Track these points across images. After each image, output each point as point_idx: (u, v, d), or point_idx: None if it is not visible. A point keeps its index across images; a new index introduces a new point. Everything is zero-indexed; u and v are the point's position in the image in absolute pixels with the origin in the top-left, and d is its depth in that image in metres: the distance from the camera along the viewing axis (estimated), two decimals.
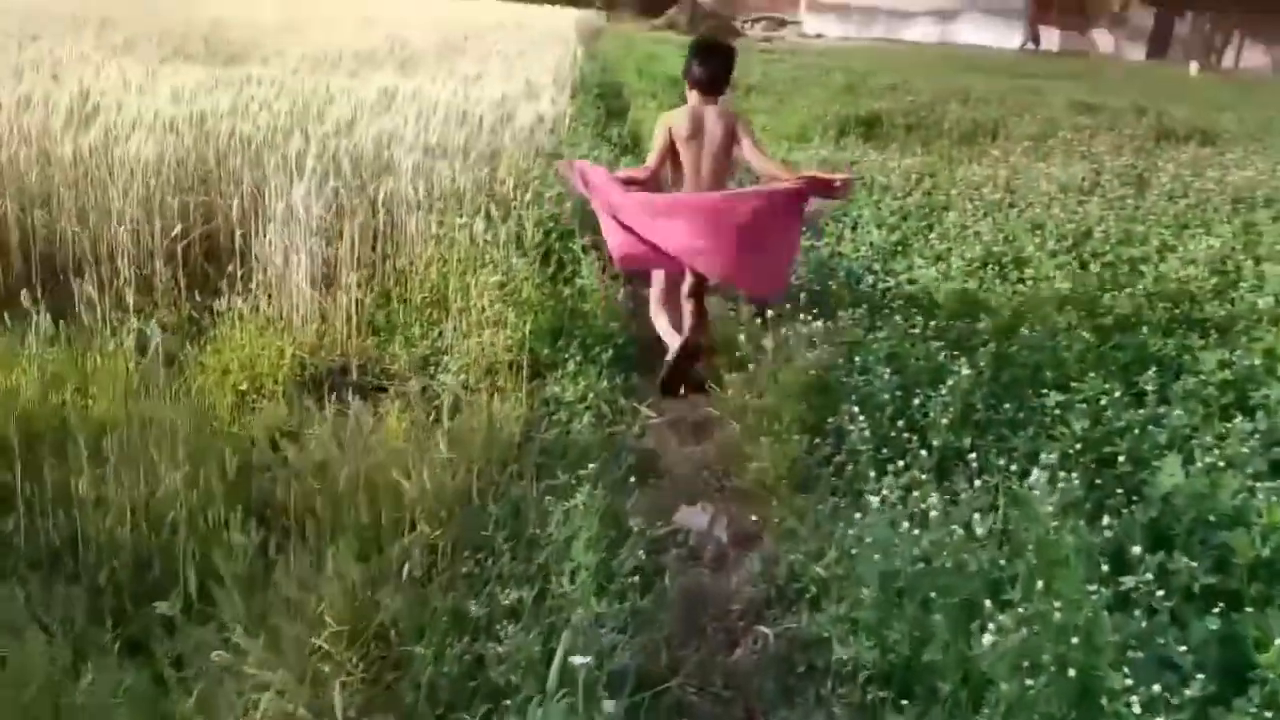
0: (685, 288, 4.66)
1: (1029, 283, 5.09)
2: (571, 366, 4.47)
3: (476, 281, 4.71)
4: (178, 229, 5.38)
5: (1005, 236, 6.07)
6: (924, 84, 18.53)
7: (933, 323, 4.27)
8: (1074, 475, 3.10)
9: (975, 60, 29.78)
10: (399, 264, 5.34)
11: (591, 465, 3.56)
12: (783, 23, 39.81)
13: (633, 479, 3.71)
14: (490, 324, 4.65)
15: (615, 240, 4.44)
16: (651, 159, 4.71)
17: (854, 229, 6.21)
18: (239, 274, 5.11)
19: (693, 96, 4.88)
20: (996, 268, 5.38)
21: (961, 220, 6.38)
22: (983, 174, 8.02)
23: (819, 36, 38.16)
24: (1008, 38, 36.68)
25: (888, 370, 3.76)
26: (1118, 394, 3.66)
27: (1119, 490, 3.21)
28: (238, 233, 5.42)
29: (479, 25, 20.51)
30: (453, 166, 6.01)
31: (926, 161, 8.86)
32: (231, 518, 3.07)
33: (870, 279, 5.07)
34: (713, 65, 4.88)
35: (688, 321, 4.62)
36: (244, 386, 4.51)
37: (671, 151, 4.68)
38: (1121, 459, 3.35)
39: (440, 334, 4.82)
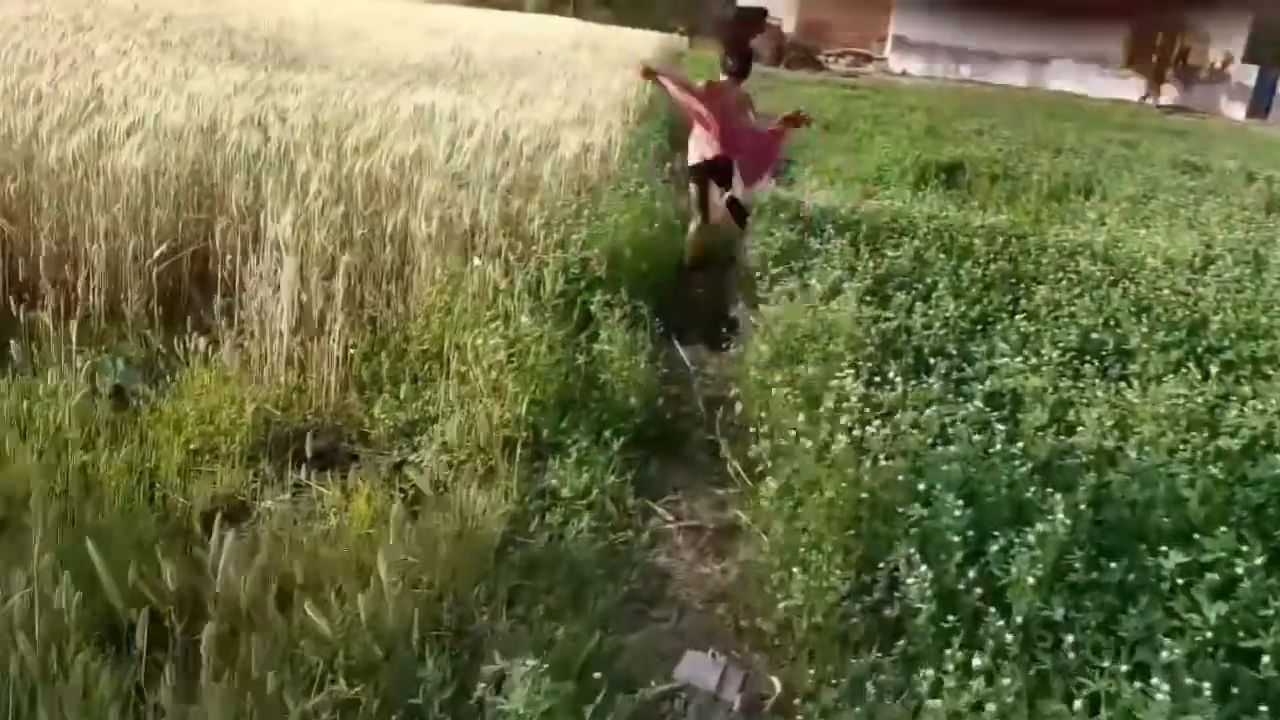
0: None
1: (1135, 383, 4.25)
2: (575, 453, 3.73)
3: (478, 338, 4.00)
4: (158, 250, 4.77)
5: (1106, 320, 5.23)
6: (1012, 130, 17.58)
7: (1019, 442, 3.45)
8: (1205, 685, 2.30)
9: (1067, 108, 28.62)
10: (399, 308, 4.67)
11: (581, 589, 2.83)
12: (867, 58, 38.91)
13: (630, 607, 2.97)
14: (489, 390, 3.94)
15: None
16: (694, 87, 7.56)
17: (927, 297, 5.41)
18: (218, 307, 4.48)
19: (724, 78, 7.60)
20: (1096, 361, 4.54)
21: (1054, 296, 5.54)
22: (1077, 239, 7.15)
23: (904, 74, 37.20)
24: (1102, 86, 35.38)
25: (958, 502, 2.97)
26: (1258, 558, 2.83)
27: (1263, 707, 2.40)
28: (226, 259, 4.80)
29: (555, 43, 20.02)
30: (476, 197, 5.34)
31: (1013, 220, 7.98)
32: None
33: (943, 365, 4.27)
34: (739, 62, 7.71)
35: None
36: (195, 444, 3.86)
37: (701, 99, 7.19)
38: (1266, 659, 2.53)
39: (431, 397, 4.13)
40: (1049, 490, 3.07)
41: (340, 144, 5.65)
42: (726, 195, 7.17)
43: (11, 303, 4.26)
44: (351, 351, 4.28)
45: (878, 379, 3.92)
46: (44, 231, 4.76)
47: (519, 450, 3.75)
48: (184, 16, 14.72)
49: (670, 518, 3.74)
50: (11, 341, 3.95)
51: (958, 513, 2.93)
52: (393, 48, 14.32)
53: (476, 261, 4.64)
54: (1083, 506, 3.00)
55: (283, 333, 4.24)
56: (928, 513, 2.98)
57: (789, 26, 42.18)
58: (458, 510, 3.38)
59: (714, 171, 7.32)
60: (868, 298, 5.20)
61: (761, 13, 44.52)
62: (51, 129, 5.17)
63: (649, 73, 7.77)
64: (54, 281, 4.55)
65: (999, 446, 3.37)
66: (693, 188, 7.52)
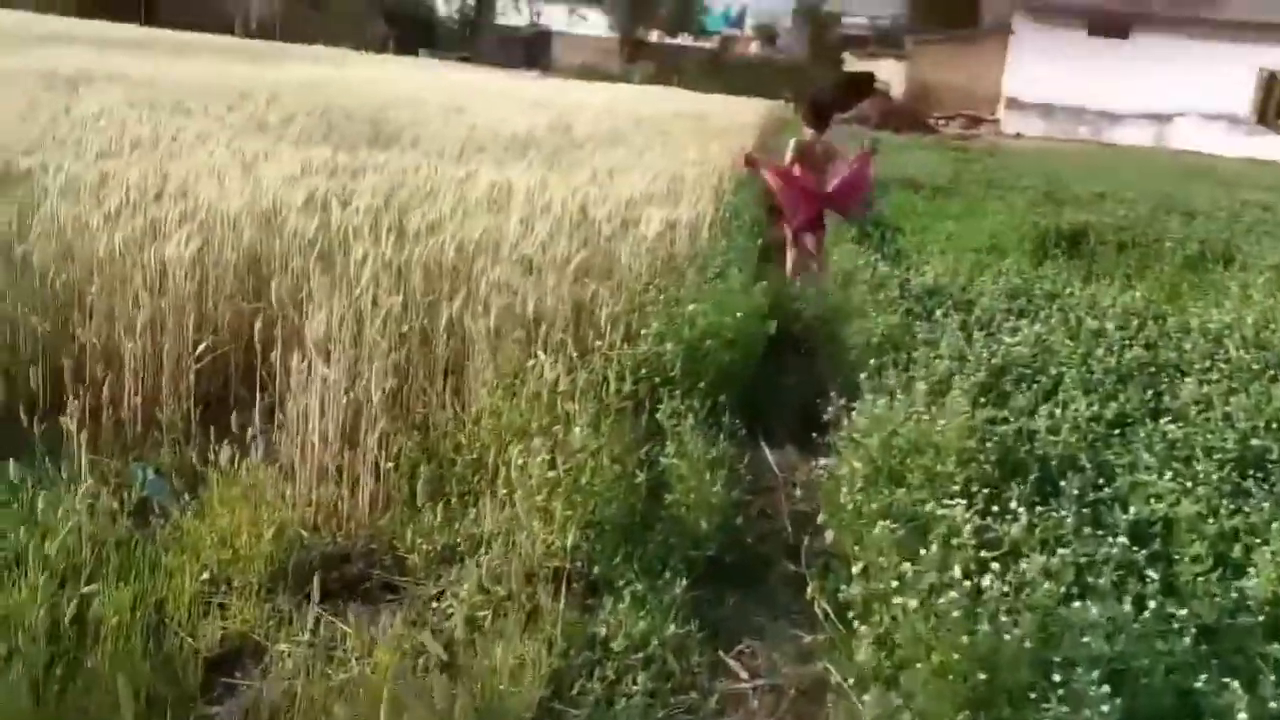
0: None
1: None
2: (630, 594, 3.18)
3: (523, 454, 3.50)
4: (200, 346, 4.44)
5: (1268, 421, 4.46)
6: (1137, 194, 16.56)
7: (1174, 592, 2.77)
8: None
9: (1195, 168, 27.21)
10: (450, 411, 4.22)
11: None
12: (979, 121, 37.95)
13: None
14: (536, 513, 3.43)
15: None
16: (787, 160, 8.54)
17: (1051, 393, 4.72)
18: (258, 411, 4.10)
19: (807, 131, 8.72)
20: (1260, 476, 3.79)
21: (1202, 391, 4.79)
22: (1222, 319, 6.34)
23: (1018, 136, 36.11)
24: (1231, 144, 33.66)
25: (1104, 689, 2.31)
26: None
27: None
28: (271, 356, 4.44)
29: (656, 114, 19.84)
30: (544, 283, 4.90)
31: (1147, 297, 7.18)
32: None
33: (1076, 483, 3.60)
34: (821, 120, 8.88)
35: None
36: (210, 572, 3.44)
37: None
38: None
39: (476, 517, 3.64)
40: (1222, 676, 2.38)
41: (403, 226, 5.29)
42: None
43: (40, 406, 3.96)
44: (391, 464, 3.83)
45: (995, 506, 3.28)
46: (82, 329, 4.48)
47: (569, 586, 3.22)
48: (292, 99, 14.94)
49: (744, 675, 3.14)
50: (37, 450, 3.65)
51: (1105, 707, 2.27)
52: (491, 122, 14.22)
53: (537, 358, 4.16)
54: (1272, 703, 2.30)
55: (315, 443, 3.81)
56: (1065, 705, 2.32)
57: (897, 90, 41.61)
58: (491, 666, 2.86)
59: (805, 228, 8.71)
60: (982, 397, 4.55)
61: (869, 77, 44.10)
62: (103, 220, 4.93)
63: (750, 162, 9.52)
64: (86, 381, 4.23)
65: (1151, 604, 2.70)
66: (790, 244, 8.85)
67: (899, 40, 52.54)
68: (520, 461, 3.42)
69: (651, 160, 10.36)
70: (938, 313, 5.93)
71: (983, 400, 4.52)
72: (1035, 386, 4.80)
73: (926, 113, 36.83)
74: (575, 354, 4.32)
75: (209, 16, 45.64)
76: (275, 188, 5.83)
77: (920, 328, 5.64)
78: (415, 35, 47.51)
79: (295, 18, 47.01)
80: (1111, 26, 35.44)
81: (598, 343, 4.46)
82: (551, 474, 3.43)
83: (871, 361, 4.91)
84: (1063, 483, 3.78)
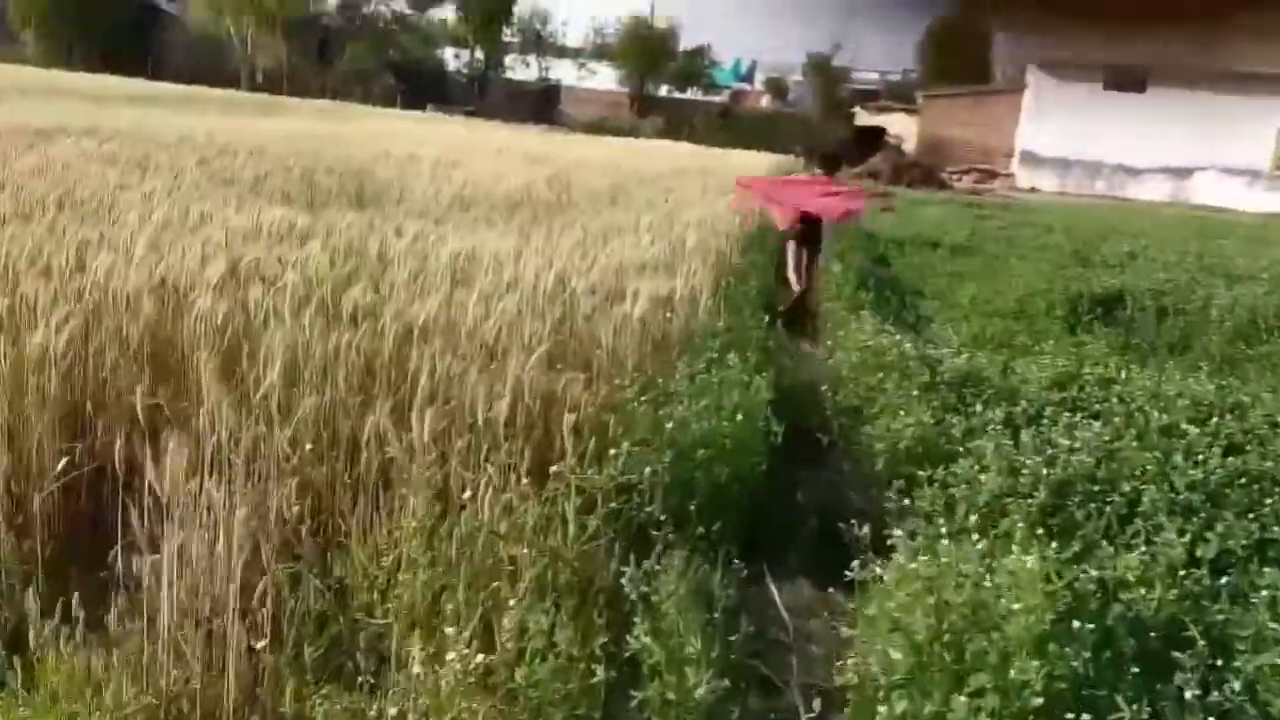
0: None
1: None
2: None
3: (433, 641, 2.57)
4: (63, 462, 3.53)
5: None
6: (1168, 252, 15.67)
7: None
8: None
9: (1220, 224, 26.35)
10: (358, 557, 3.28)
11: None
12: (993, 175, 37.24)
13: None
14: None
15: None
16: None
17: (1128, 518, 3.79)
18: (113, 559, 3.21)
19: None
20: None
21: None
22: None
23: (1033, 191, 35.34)
24: (1252, 198, 32.82)
25: None
26: None
27: None
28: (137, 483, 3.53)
29: (661, 169, 19.12)
30: (505, 375, 3.99)
31: (1221, 385, 6.20)
32: None
33: (1189, 671, 2.66)
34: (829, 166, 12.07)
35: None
36: None
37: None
38: None
39: (381, 709, 2.69)
40: None
41: (338, 306, 4.41)
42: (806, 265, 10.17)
43: None
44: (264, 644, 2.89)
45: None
46: None
47: None
48: (277, 153, 14.22)
49: None
50: None
51: None
52: (486, 179, 13.46)
53: (467, 491, 3.25)
54: None
55: (176, 602, 2.89)
56: None
57: (909, 144, 41.01)
58: None
59: (806, 239, 10.16)
60: (1043, 524, 3.61)
61: (880, 131, 43.56)
62: None
63: (741, 184, 10.82)
64: None
65: None
66: (789, 252, 10.34)
67: (910, 95, 52.20)
68: (430, 650, 2.48)
69: (651, 221, 9.52)
70: (976, 405, 5.02)
71: (1045, 531, 3.58)
72: (1108, 509, 3.86)
73: (939, 167, 36.14)
74: (530, 476, 3.41)
75: (217, 70, 45.52)
76: (200, 256, 4.98)
77: (956, 424, 4.72)
78: (424, 90, 47.24)
79: (303, 71, 46.85)
80: (1128, 80, 34.82)
81: (564, 461, 3.52)
82: (478, 662, 2.49)
83: (900, 477, 3.99)
84: (1161, 652, 2.86)
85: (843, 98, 51.43)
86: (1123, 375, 5.88)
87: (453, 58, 53.80)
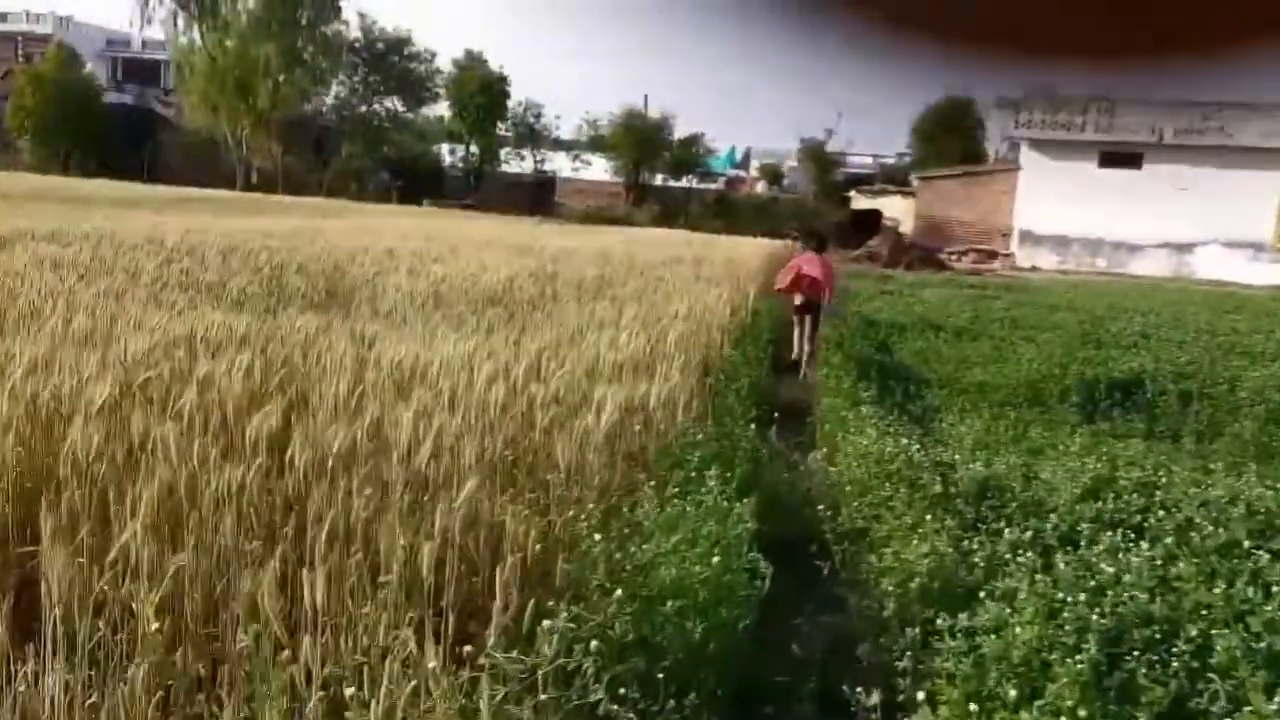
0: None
1: None
2: None
3: None
4: None
5: None
6: (1181, 330, 15.05)
7: None
8: None
9: (1227, 298, 25.82)
10: None
11: None
12: (992, 255, 36.91)
13: None
14: None
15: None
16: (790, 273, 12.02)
17: (1198, 671, 3.06)
18: None
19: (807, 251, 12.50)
20: None
21: None
22: None
23: (1033, 269, 34.96)
24: (1255, 272, 32.34)
25: None
26: None
27: None
28: None
29: (651, 258, 18.63)
30: (431, 517, 3.30)
31: (1252, 479, 5.49)
32: None
33: None
34: (815, 244, 12.80)
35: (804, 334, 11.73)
36: None
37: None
38: None
39: None
40: None
41: (242, 432, 3.74)
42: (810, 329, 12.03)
43: None
44: None
45: None
46: None
47: None
48: (250, 251, 13.73)
49: None
50: None
51: None
52: (468, 273, 12.92)
53: (371, 658, 2.54)
54: None
55: None
56: None
57: (906, 225, 40.81)
58: None
59: (808, 310, 12.01)
60: (1096, 686, 2.88)
61: (876, 214, 43.43)
62: None
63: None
64: None
65: None
66: (796, 322, 12.22)
67: (905, 177, 52.32)
68: None
69: (636, 313, 8.91)
70: (999, 522, 4.31)
71: (1101, 699, 2.85)
72: (1174, 664, 3.12)
73: (938, 248, 35.84)
74: (456, 646, 2.69)
75: (213, 171, 45.71)
76: (95, 373, 4.33)
77: (978, 548, 4.00)
78: (421, 185, 47.39)
79: (297, 170, 47.02)
80: (1122, 157, 34.68)
81: (490, 630, 2.80)
82: None
83: (915, 623, 3.27)
84: None
85: (837, 182, 51.51)
86: (1162, 477, 5.16)
87: (449, 153, 54.14)
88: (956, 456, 5.07)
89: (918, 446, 5.53)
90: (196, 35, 45.58)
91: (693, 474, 4.24)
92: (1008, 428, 8.49)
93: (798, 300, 11.93)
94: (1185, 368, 10.38)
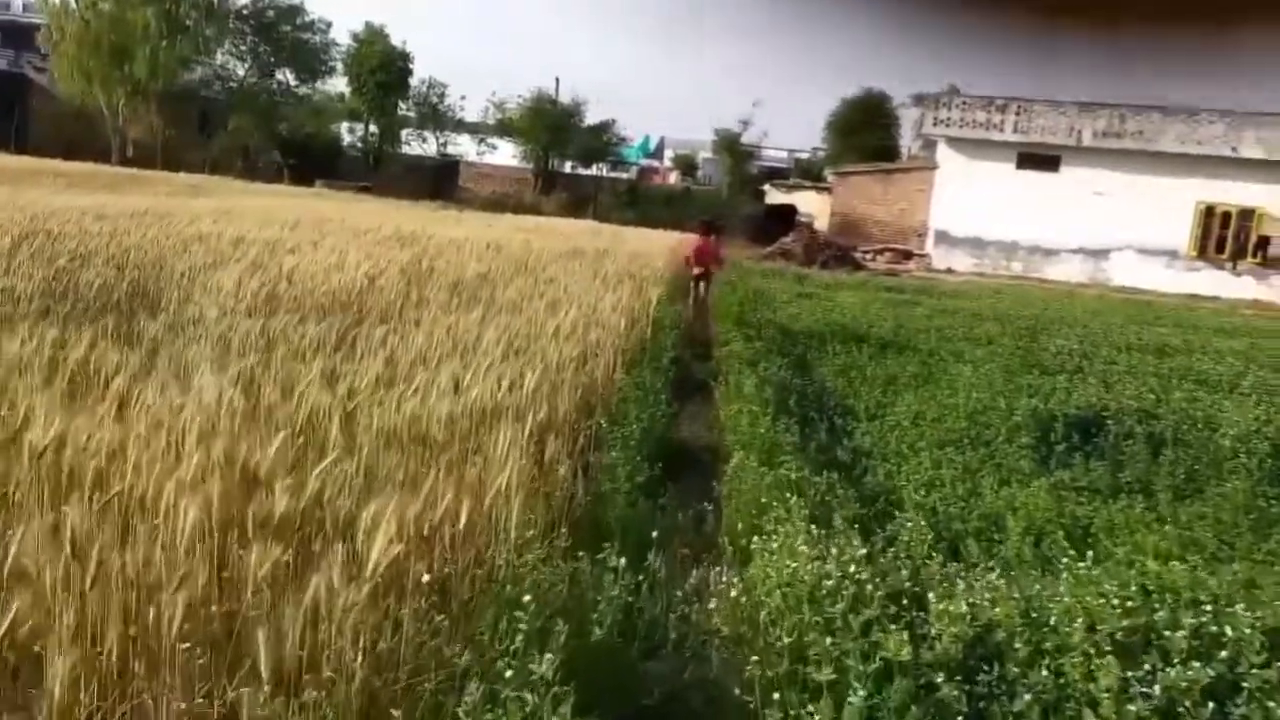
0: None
1: None
2: None
3: None
4: None
5: None
6: (1123, 353, 13.83)
7: None
8: None
9: (1145, 307, 25.07)
10: None
11: None
12: (908, 255, 35.88)
13: None
14: None
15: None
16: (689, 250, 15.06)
17: None
18: None
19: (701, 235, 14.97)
20: None
21: None
22: None
23: (949, 271, 34.00)
24: (1169, 279, 31.85)
25: None
26: None
27: None
28: None
29: (551, 251, 16.82)
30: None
31: None
32: None
33: None
34: (708, 230, 15.18)
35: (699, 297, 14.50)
36: None
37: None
38: None
39: None
40: None
41: None
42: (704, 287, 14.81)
43: None
44: None
45: None
46: None
47: None
48: (61, 235, 11.57)
49: None
50: None
51: None
52: (323, 268, 10.97)
53: None
54: None
55: None
56: None
57: (821, 221, 39.61)
58: None
59: (704, 277, 14.74)
60: None
61: (791, 209, 42.18)
62: None
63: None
64: None
65: None
66: (691, 289, 14.97)
67: (819, 173, 51.35)
68: None
69: (505, 333, 7.12)
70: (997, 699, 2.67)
71: None
72: None
73: (853, 247, 34.65)
74: None
75: (88, 143, 42.31)
76: None
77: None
78: (315, 165, 44.54)
79: (178, 144, 43.81)
80: (1040, 159, 33.89)
81: None
82: None
83: None
84: None
85: (752, 175, 50.25)
86: (1223, 624, 3.56)
87: (348, 132, 51.32)
88: (930, 595, 3.40)
89: (862, 554, 3.87)
90: None
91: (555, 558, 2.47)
92: (955, 480, 6.98)
93: (696, 271, 14.90)
94: (1146, 403, 8.99)
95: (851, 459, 7.47)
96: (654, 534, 4.08)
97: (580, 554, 3.65)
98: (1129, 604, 3.52)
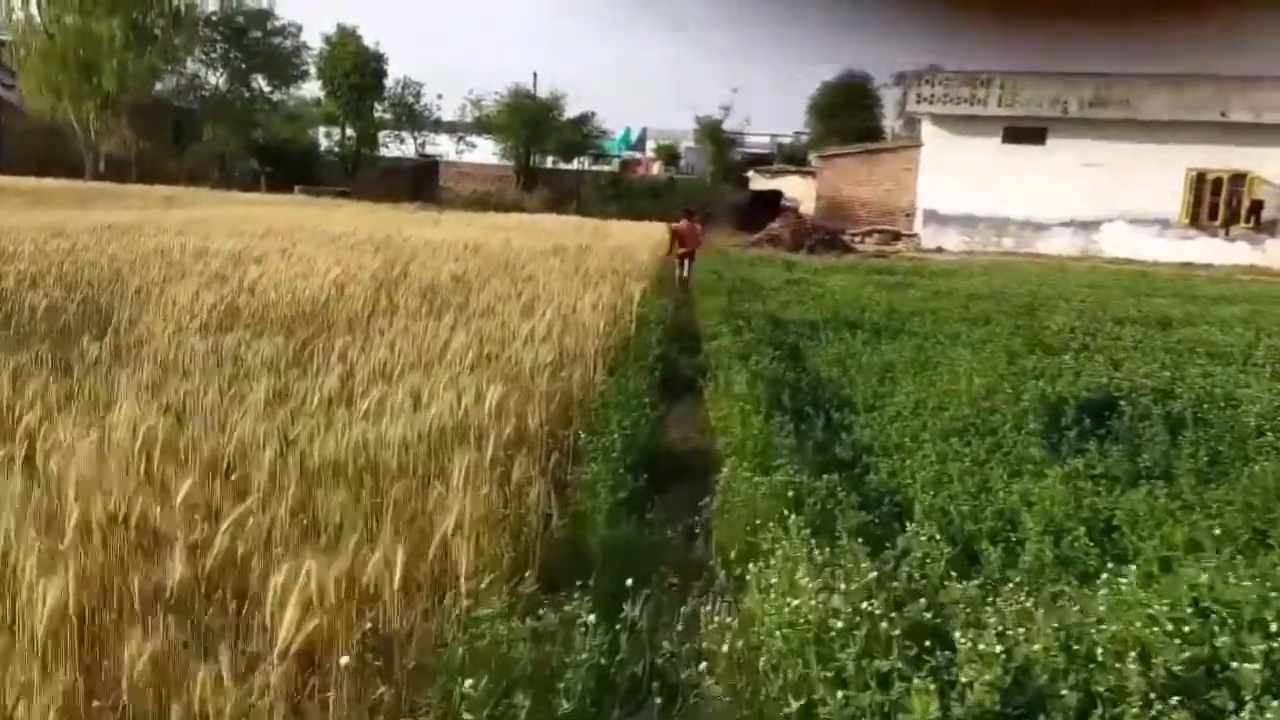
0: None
1: None
2: None
3: None
4: None
5: None
6: (1126, 325, 13.38)
7: None
8: None
9: (1139, 277, 24.64)
10: None
11: None
12: (897, 235, 35.39)
13: None
14: None
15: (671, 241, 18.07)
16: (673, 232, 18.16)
17: None
18: None
19: (684, 218, 18.56)
20: None
21: None
22: None
23: (939, 250, 33.54)
24: (1161, 248, 31.42)
25: None
26: None
27: None
28: None
29: (531, 249, 16.31)
30: None
31: None
32: None
33: None
34: (689, 215, 18.84)
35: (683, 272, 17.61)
36: None
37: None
38: None
39: None
40: None
41: None
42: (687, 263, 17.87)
43: None
44: None
45: None
46: None
47: None
48: (11, 252, 11.05)
49: None
50: None
51: None
52: (289, 277, 10.45)
53: None
54: None
55: None
56: None
57: (807, 206, 39.10)
58: None
59: (687, 255, 17.89)
60: None
61: (776, 195, 41.65)
62: None
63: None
64: None
65: None
66: (677, 264, 17.81)
67: (803, 157, 50.76)
68: None
69: (474, 339, 6.62)
70: None
71: None
72: None
73: (840, 229, 34.16)
74: None
75: (60, 159, 41.59)
76: None
77: None
78: (292, 171, 43.86)
79: (152, 157, 43.10)
80: (1026, 133, 33.41)
81: None
82: None
83: None
84: None
85: (735, 162, 49.69)
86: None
87: (324, 136, 50.60)
88: (955, 633, 2.92)
89: (872, 575, 3.38)
90: (35, 10, 41.27)
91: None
92: (963, 474, 6.52)
93: (680, 251, 17.78)
94: (1160, 381, 8.52)
95: (851, 456, 7.00)
96: (638, 566, 3.60)
97: (552, 596, 3.16)
98: (1185, 629, 3.04)
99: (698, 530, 4.87)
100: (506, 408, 4.44)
